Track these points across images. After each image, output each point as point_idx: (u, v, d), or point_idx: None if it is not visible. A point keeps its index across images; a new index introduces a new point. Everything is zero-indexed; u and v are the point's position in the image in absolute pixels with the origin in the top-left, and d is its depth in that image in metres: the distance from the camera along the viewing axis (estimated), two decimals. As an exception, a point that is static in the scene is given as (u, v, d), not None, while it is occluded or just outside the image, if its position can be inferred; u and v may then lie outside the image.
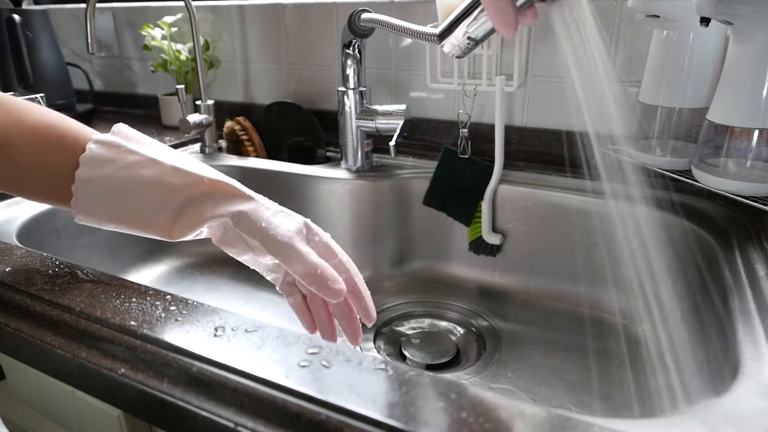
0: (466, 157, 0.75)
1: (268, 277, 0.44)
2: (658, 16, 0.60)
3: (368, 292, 0.44)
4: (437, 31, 0.49)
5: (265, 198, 0.43)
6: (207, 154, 0.88)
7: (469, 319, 0.70)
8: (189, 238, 0.41)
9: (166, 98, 1.03)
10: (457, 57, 0.49)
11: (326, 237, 0.43)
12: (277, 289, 0.44)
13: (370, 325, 0.44)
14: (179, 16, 1.02)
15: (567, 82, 0.39)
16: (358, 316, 0.44)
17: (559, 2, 0.37)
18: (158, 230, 0.40)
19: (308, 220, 0.43)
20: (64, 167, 0.39)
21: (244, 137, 0.90)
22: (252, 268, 0.44)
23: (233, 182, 0.42)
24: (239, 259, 0.43)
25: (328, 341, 0.37)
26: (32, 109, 0.40)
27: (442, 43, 0.48)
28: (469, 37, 0.45)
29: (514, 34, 0.38)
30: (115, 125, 0.42)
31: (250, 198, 0.41)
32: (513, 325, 0.68)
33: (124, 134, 0.42)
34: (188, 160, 0.42)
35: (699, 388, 0.48)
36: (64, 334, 0.37)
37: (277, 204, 0.43)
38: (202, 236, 0.42)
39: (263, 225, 0.39)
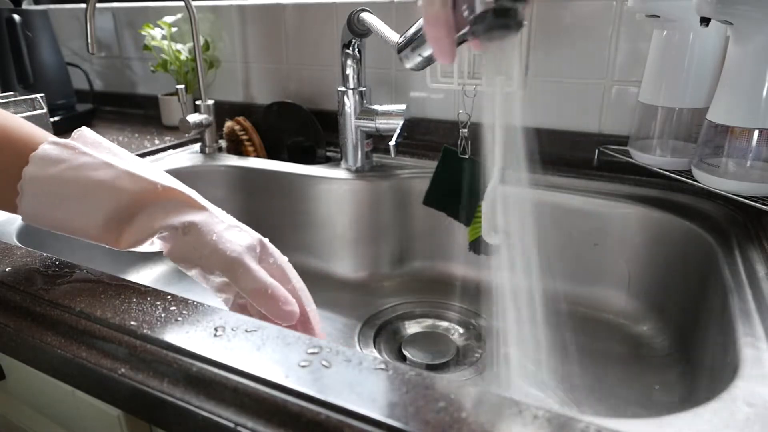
0: (466, 157, 0.75)
1: (219, 298, 0.42)
2: (658, 16, 0.60)
3: (320, 326, 0.42)
4: (397, 42, 0.50)
5: (221, 210, 0.41)
6: (207, 154, 0.88)
7: (469, 319, 0.70)
8: (139, 249, 0.39)
9: (166, 98, 1.03)
10: (412, 69, 0.50)
11: (283, 260, 0.41)
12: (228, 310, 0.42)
13: None
14: (179, 16, 1.02)
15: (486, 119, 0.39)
16: None
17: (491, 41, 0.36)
18: (105, 238, 0.38)
19: (265, 240, 0.41)
20: (15, 168, 0.38)
21: (244, 137, 0.90)
22: (204, 286, 0.41)
23: (189, 191, 0.40)
24: (188, 273, 0.40)
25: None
26: None
27: (400, 55, 0.49)
28: (420, 54, 0.47)
29: (451, 62, 0.37)
30: (78, 129, 0.41)
31: (203, 208, 0.39)
32: (513, 325, 0.68)
33: (83, 138, 0.40)
34: (146, 165, 0.40)
35: (699, 388, 0.48)
36: (64, 334, 0.37)
37: (233, 218, 0.41)
38: (155, 249, 0.40)
39: (213, 238, 0.37)
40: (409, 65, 0.49)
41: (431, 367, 0.62)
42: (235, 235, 0.39)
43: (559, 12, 0.72)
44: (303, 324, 0.41)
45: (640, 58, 0.69)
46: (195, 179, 0.83)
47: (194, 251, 0.38)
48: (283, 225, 0.82)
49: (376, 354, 0.65)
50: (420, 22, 0.45)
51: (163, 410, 0.32)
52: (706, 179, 0.57)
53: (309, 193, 0.79)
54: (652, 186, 0.67)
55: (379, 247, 0.79)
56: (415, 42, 0.46)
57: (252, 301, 0.37)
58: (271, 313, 0.37)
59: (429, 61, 0.47)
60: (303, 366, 0.31)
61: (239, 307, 0.42)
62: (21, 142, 0.38)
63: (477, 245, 0.76)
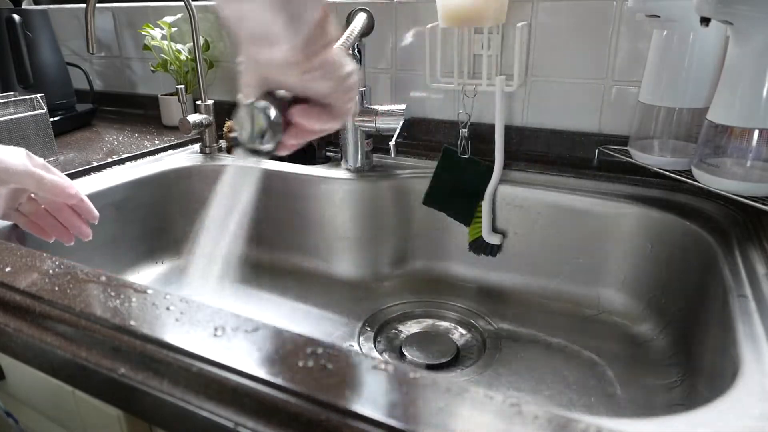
0: (466, 157, 0.75)
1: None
2: (658, 16, 0.60)
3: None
4: None
5: None
6: (207, 154, 0.88)
7: (469, 319, 0.70)
8: None
9: (166, 98, 1.03)
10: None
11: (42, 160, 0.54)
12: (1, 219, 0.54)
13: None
14: (179, 16, 1.02)
15: None
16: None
17: None
18: None
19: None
20: None
21: (244, 137, 0.90)
22: None
23: None
24: None
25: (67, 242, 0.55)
26: None
27: None
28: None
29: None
30: None
31: None
32: (513, 325, 0.68)
33: None
34: None
35: (699, 388, 0.48)
36: (64, 334, 0.37)
37: None
38: None
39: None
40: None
41: (431, 367, 0.62)
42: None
43: (559, 12, 0.72)
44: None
45: (640, 58, 0.69)
46: (195, 179, 0.83)
47: None
48: (283, 225, 0.82)
49: (376, 354, 0.65)
50: None
51: (163, 410, 0.32)
52: (706, 179, 0.57)
53: (309, 193, 0.79)
54: (652, 186, 0.67)
55: (379, 247, 0.79)
56: None
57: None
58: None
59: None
60: (303, 366, 0.31)
61: (16, 213, 0.56)
62: None
63: (477, 245, 0.76)
